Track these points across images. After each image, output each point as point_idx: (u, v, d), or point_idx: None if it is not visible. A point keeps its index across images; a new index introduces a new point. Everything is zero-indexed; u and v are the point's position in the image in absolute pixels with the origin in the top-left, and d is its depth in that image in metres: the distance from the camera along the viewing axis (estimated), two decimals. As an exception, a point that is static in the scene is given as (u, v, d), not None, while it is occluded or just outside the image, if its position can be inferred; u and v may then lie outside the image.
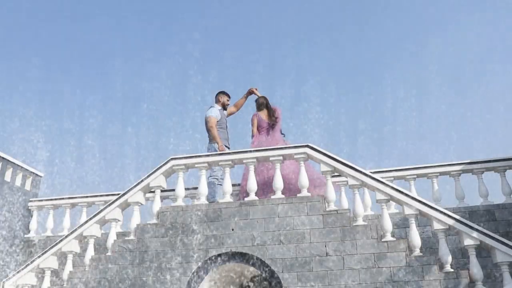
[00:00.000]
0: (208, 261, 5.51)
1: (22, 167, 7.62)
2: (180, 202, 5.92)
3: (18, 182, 7.56)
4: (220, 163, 5.96)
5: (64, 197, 7.67)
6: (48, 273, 5.99)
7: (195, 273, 5.47)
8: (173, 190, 6.74)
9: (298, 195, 5.61)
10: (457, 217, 5.11)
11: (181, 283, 5.43)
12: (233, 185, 6.72)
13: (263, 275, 5.41)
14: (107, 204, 6.13)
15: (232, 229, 5.56)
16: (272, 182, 5.80)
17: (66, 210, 7.62)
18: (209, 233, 5.60)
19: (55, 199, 7.71)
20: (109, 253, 5.85)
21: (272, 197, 5.64)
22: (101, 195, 7.53)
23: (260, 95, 6.97)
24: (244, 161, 5.89)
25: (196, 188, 6.78)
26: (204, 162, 6.00)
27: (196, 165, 6.02)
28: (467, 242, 4.99)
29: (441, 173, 6.56)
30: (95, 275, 5.70)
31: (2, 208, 7.18)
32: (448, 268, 4.95)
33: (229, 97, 7.02)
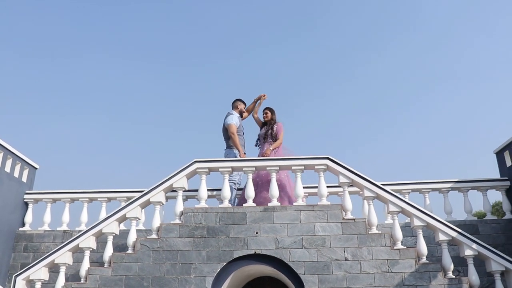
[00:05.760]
0: (233, 262, 5.76)
1: (20, 157, 7.34)
2: (203, 204, 6.11)
3: (16, 173, 7.27)
4: (243, 169, 6.23)
5: (63, 191, 7.49)
6: (63, 269, 5.91)
7: (219, 273, 5.71)
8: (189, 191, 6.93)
9: (318, 203, 6.05)
10: (459, 230, 5.81)
11: (206, 282, 5.64)
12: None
13: (286, 276, 5.77)
14: (128, 202, 6.15)
15: (256, 233, 5.86)
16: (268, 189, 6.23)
17: (65, 205, 7.45)
18: (233, 235, 5.86)
19: (54, 192, 7.50)
20: (130, 251, 5.90)
21: (295, 204, 6.03)
22: (103, 192, 7.47)
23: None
24: (268, 168, 6.21)
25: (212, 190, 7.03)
26: (228, 167, 6.24)
27: (219, 169, 6.25)
28: (467, 252, 5.70)
29: (433, 189, 7.32)
30: (117, 273, 5.73)
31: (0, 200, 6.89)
32: (450, 274, 5.62)
33: (245, 104, 7.31)
